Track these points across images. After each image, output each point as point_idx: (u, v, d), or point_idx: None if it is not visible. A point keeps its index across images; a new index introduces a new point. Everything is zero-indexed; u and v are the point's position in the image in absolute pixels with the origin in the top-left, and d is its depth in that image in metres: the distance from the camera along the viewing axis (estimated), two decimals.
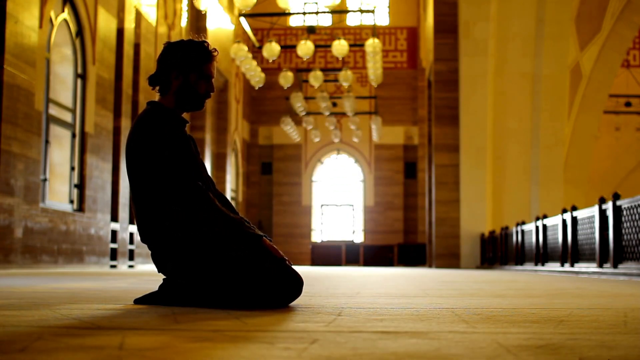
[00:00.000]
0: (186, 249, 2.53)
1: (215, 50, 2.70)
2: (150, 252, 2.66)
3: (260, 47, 13.80)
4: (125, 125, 12.49)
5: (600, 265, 7.99)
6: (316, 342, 1.56)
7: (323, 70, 17.37)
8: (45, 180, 9.67)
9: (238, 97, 21.63)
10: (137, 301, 2.66)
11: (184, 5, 16.24)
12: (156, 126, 2.56)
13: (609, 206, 7.75)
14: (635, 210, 7.10)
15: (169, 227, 2.54)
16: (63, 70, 10.71)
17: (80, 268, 10.39)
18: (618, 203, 7.54)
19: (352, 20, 24.75)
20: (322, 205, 24.63)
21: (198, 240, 2.52)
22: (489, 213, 15.71)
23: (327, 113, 19.52)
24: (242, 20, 13.05)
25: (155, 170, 2.53)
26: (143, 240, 2.64)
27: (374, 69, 15.14)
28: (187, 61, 2.62)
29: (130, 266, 12.79)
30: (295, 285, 2.54)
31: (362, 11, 14.06)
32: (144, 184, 2.57)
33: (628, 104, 22.35)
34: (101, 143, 11.47)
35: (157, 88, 2.68)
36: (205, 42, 2.68)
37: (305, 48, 13.17)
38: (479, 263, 15.49)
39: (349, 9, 23.00)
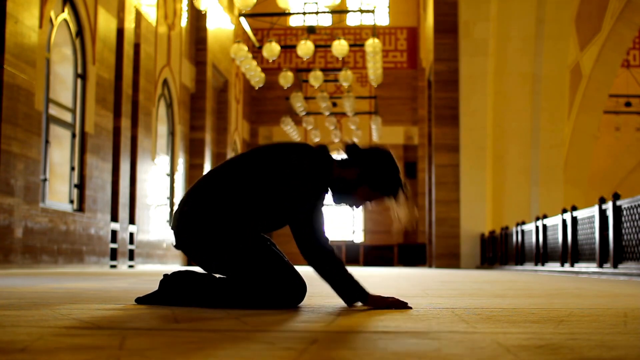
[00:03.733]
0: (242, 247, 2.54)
1: (404, 195, 2.64)
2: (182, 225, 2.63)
3: (260, 47, 13.79)
4: (125, 125, 12.47)
5: (600, 265, 7.99)
6: (316, 342, 1.56)
7: (323, 70, 17.36)
8: (45, 180, 9.66)
9: (238, 97, 21.63)
10: (139, 301, 2.66)
11: (184, 5, 16.24)
12: (314, 173, 2.57)
13: (609, 206, 7.75)
14: (635, 210, 7.10)
15: (242, 221, 2.56)
16: (63, 70, 10.71)
17: (80, 268, 10.39)
18: (618, 203, 7.54)
19: (352, 20, 24.75)
20: None
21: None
22: (489, 213, 15.70)
23: (327, 113, 19.52)
24: (242, 20, 13.04)
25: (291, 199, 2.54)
26: (192, 208, 2.60)
27: (374, 69, 15.14)
28: (375, 178, 2.60)
29: (130, 266, 12.79)
30: (299, 290, 2.55)
31: (362, 11, 14.04)
32: (259, 184, 2.56)
33: (628, 104, 22.35)
34: (101, 143, 11.46)
35: (345, 156, 2.66)
36: (405, 185, 2.64)
37: (305, 48, 13.17)
38: (479, 263, 15.49)
39: (349, 9, 23.00)
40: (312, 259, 2.55)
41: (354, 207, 2.70)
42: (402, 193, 2.63)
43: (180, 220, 2.62)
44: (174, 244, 2.69)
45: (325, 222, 2.61)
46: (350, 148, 2.67)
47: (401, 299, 2.62)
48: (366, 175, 2.60)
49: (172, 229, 2.69)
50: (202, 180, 2.68)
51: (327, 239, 2.59)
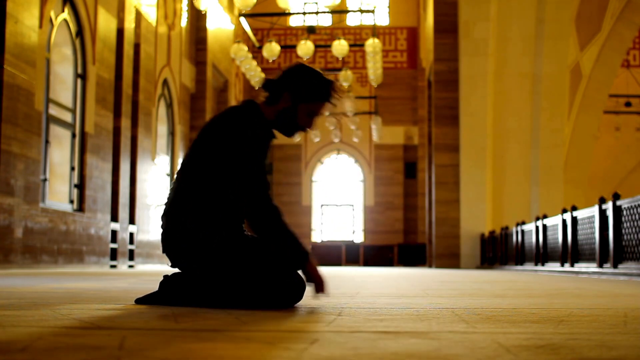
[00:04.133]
0: (225, 244, 2.53)
1: (338, 94, 2.70)
2: (166, 230, 2.63)
3: (260, 47, 13.79)
4: (126, 125, 12.47)
5: (600, 265, 7.99)
6: (316, 342, 1.56)
7: (323, 70, 17.34)
8: (45, 180, 9.67)
9: (238, 97, 21.63)
10: (138, 301, 2.66)
11: (184, 5, 16.24)
12: (255, 130, 2.58)
13: (609, 206, 7.75)
14: (635, 210, 7.10)
15: (217, 219, 2.55)
16: (63, 70, 10.71)
17: (80, 268, 10.39)
18: (618, 203, 7.54)
19: (352, 20, 24.75)
20: (322, 205, 24.63)
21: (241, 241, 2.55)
22: (489, 213, 15.70)
23: (327, 113, 19.51)
24: (242, 20, 13.04)
25: (235, 167, 2.55)
26: (172, 216, 2.59)
27: (374, 69, 15.14)
28: (305, 91, 2.64)
29: (130, 266, 12.79)
30: (298, 289, 2.55)
31: (362, 11, 14.03)
32: (212, 172, 2.56)
33: (628, 104, 22.36)
34: (101, 143, 11.46)
35: (265, 94, 2.68)
36: (333, 82, 2.68)
37: (305, 48, 13.17)
38: (479, 263, 15.49)
39: (349, 9, 22.99)
40: (262, 218, 2.55)
41: (306, 129, 2.72)
42: (334, 91, 2.69)
43: (168, 241, 2.62)
44: (170, 264, 2.68)
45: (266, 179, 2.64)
46: (266, 83, 2.70)
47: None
48: (298, 93, 2.63)
49: (163, 252, 2.68)
50: (173, 194, 2.66)
51: (270, 198, 2.62)
